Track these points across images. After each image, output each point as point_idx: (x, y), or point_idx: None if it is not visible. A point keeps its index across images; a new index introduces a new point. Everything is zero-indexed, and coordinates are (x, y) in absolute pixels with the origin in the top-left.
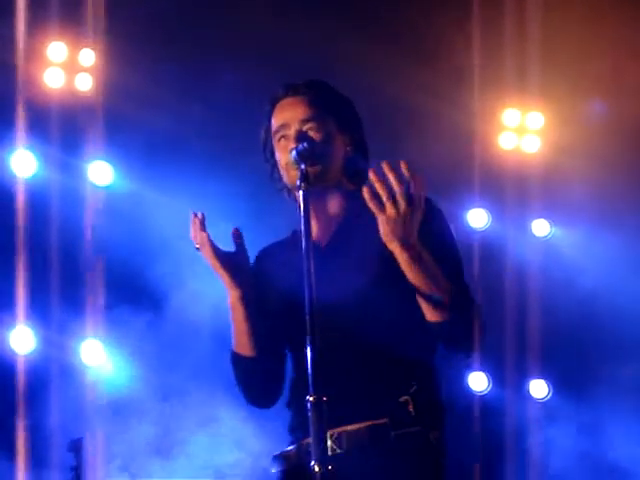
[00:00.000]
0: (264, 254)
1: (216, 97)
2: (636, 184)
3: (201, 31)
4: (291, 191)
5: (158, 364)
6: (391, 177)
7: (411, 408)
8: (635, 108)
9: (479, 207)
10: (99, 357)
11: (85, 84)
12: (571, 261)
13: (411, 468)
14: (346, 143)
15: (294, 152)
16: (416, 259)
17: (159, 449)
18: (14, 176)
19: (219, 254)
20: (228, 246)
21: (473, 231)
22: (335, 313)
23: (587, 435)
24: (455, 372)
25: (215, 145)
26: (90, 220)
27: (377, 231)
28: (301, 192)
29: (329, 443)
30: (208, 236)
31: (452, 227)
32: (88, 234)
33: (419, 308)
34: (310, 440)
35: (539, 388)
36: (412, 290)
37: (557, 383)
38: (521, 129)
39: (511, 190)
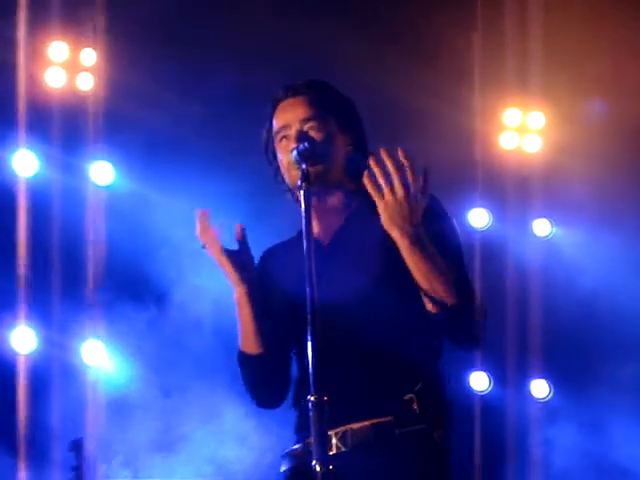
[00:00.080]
0: (269, 254)
1: (216, 97)
2: (637, 184)
3: (201, 31)
4: (294, 192)
5: (160, 361)
6: (389, 164)
7: (416, 406)
8: (635, 108)
9: (480, 207)
10: (100, 357)
11: (86, 84)
12: (572, 261)
13: (416, 466)
14: (347, 143)
15: (295, 152)
16: (417, 246)
17: (161, 446)
18: (15, 176)
19: (225, 251)
20: (228, 245)
21: (474, 231)
22: (338, 312)
23: (588, 435)
24: (456, 372)
25: (215, 145)
26: (91, 220)
27: (380, 231)
28: (302, 192)
29: (334, 441)
30: (215, 233)
31: (458, 227)
32: (89, 234)
33: (421, 308)
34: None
35: (540, 388)
36: (414, 290)
37: (558, 383)
38: (522, 129)
39: (512, 190)
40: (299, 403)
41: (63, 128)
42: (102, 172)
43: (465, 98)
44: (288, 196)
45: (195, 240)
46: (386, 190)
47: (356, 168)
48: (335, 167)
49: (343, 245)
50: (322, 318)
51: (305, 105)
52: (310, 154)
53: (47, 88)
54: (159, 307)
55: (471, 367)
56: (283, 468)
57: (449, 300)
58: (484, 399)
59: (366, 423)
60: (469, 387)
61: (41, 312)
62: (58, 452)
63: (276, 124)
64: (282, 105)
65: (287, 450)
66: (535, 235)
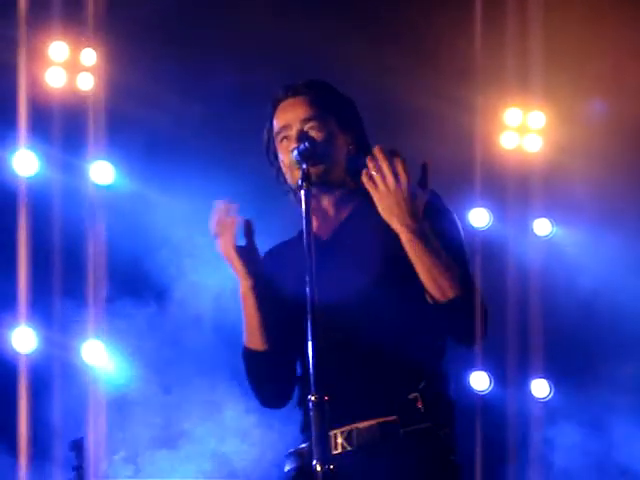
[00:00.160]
0: (270, 254)
1: (216, 97)
2: (637, 183)
3: (201, 31)
4: (296, 192)
5: (160, 358)
6: (380, 157)
7: (420, 405)
8: (636, 108)
9: (480, 207)
10: (101, 356)
11: (86, 84)
12: (573, 260)
13: (421, 465)
14: (348, 142)
15: (295, 152)
16: (421, 241)
17: (162, 442)
18: (16, 176)
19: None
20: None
21: (475, 231)
22: (340, 311)
23: (589, 434)
24: (456, 371)
25: (215, 145)
26: (91, 220)
27: (381, 229)
28: (303, 192)
29: (340, 440)
30: (234, 225)
31: (459, 223)
32: (89, 234)
33: (424, 308)
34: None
35: (540, 387)
36: (416, 289)
37: (558, 382)
38: (523, 128)
39: (513, 189)
40: (304, 402)
41: (63, 128)
42: (102, 172)
43: (465, 98)
44: (290, 196)
45: (195, 239)
46: (378, 180)
47: (357, 168)
48: (336, 167)
49: (343, 242)
50: (324, 317)
51: (305, 105)
52: (311, 154)
53: (47, 88)
54: (159, 304)
55: (471, 367)
56: (287, 467)
57: (452, 293)
58: (484, 399)
59: (372, 422)
60: (469, 387)
61: (42, 312)
62: (59, 451)
63: (277, 124)
64: (282, 105)
65: (292, 449)
66: (535, 235)
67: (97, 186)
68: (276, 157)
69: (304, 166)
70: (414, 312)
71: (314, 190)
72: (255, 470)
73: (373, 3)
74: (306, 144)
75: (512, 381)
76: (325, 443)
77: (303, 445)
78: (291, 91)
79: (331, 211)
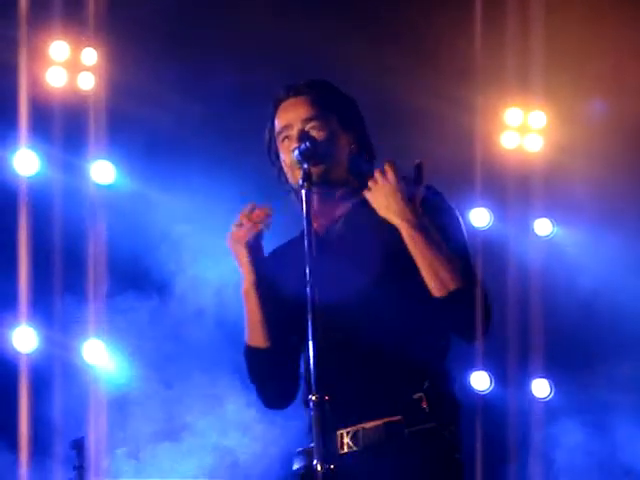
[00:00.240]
0: (275, 254)
1: (216, 97)
2: (637, 183)
3: (201, 31)
4: (298, 192)
5: (161, 352)
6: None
7: (425, 404)
8: (636, 107)
9: (481, 206)
10: (101, 356)
11: (87, 83)
12: (573, 260)
13: (426, 465)
14: (350, 142)
15: (296, 152)
16: (422, 234)
17: (164, 436)
18: (17, 175)
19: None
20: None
21: (475, 230)
22: (340, 310)
23: (589, 434)
24: (457, 371)
25: (215, 144)
26: (92, 219)
27: (380, 227)
28: (303, 191)
29: (346, 440)
30: (261, 220)
31: (461, 219)
32: (90, 233)
33: (425, 308)
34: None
35: (541, 387)
36: (417, 288)
37: (559, 382)
38: (523, 128)
39: (513, 189)
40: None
41: (64, 127)
42: (103, 171)
43: (466, 98)
44: (292, 196)
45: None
46: (370, 182)
47: (359, 167)
48: (337, 166)
49: (340, 240)
50: (325, 316)
51: (307, 105)
52: (312, 154)
53: (48, 88)
54: (161, 299)
55: (472, 367)
56: (296, 466)
57: (453, 285)
58: (485, 399)
59: (378, 422)
60: (470, 387)
61: (42, 311)
62: (60, 449)
63: (278, 124)
64: (284, 105)
65: (300, 448)
66: (536, 235)
67: (98, 185)
68: (277, 157)
69: (305, 166)
70: (415, 311)
71: (315, 190)
72: (257, 463)
73: (373, 3)
74: (307, 144)
75: (513, 381)
76: (326, 442)
77: (312, 444)
78: (292, 91)
79: (334, 212)
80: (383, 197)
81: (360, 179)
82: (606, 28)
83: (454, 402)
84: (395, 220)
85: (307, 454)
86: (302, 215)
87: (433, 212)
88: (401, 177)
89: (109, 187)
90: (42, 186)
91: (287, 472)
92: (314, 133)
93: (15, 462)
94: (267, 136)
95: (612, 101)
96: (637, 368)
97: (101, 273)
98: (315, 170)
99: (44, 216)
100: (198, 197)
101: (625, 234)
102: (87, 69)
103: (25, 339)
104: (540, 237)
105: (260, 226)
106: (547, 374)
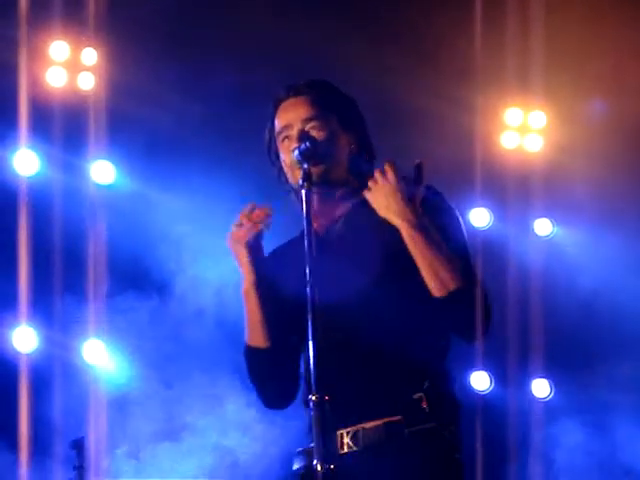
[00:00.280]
0: (275, 254)
1: (216, 97)
2: (637, 183)
3: (201, 31)
4: (298, 192)
5: (161, 352)
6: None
7: (425, 404)
8: (636, 107)
9: (481, 206)
10: (101, 356)
11: (87, 83)
12: (573, 260)
13: (426, 465)
14: (350, 142)
15: (296, 152)
16: (422, 234)
17: (165, 436)
18: (16, 175)
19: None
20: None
21: (475, 230)
22: (340, 310)
23: (589, 434)
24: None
25: (215, 144)
26: (92, 219)
27: (380, 227)
28: (303, 191)
29: (346, 440)
30: (261, 221)
31: (461, 219)
32: (90, 233)
33: (425, 308)
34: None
35: (541, 387)
36: (417, 287)
37: (559, 382)
38: (523, 128)
39: (513, 189)
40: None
41: (64, 127)
42: (103, 171)
43: (466, 98)
44: (292, 196)
45: (195, 237)
46: (370, 182)
47: (359, 167)
48: (337, 166)
49: (340, 239)
50: (325, 316)
51: (307, 105)
52: (312, 154)
53: (48, 88)
54: (161, 299)
55: (472, 367)
56: (296, 466)
57: (453, 285)
58: (485, 399)
59: (378, 422)
60: (470, 387)
61: (42, 311)
62: (60, 449)
63: (278, 124)
64: (284, 105)
65: (301, 448)
66: (536, 235)
67: (98, 185)
68: (277, 157)
69: (305, 166)
70: (415, 311)
71: (315, 190)
72: (257, 463)
73: (373, 3)
74: (307, 144)
75: (513, 381)
76: (326, 442)
77: (312, 444)
78: (292, 91)
79: (334, 212)
80: (383, 197)
81: (360, 179)
82: (606, 28)
83: (454, 402)
84: (395, 220)
85: (307, 454)
86: (302, 215)
87: (433, 212)
88: (401, 177)
89: (109, 187)
90: (42, 186)
91: (287, 472)
92: (314, 133)
93: (15, 462)
94: (267, 136)
95: (612, 101)
96: (637, 368)
97: (101, 273)
98: (315, 170)
99: (44, 216)
100: (198, 197)
101: (625, 234)
102: (87, 69)
103: (25, 339)
104: (540, 237)
105: (260, 226)
106: (547, 374)
